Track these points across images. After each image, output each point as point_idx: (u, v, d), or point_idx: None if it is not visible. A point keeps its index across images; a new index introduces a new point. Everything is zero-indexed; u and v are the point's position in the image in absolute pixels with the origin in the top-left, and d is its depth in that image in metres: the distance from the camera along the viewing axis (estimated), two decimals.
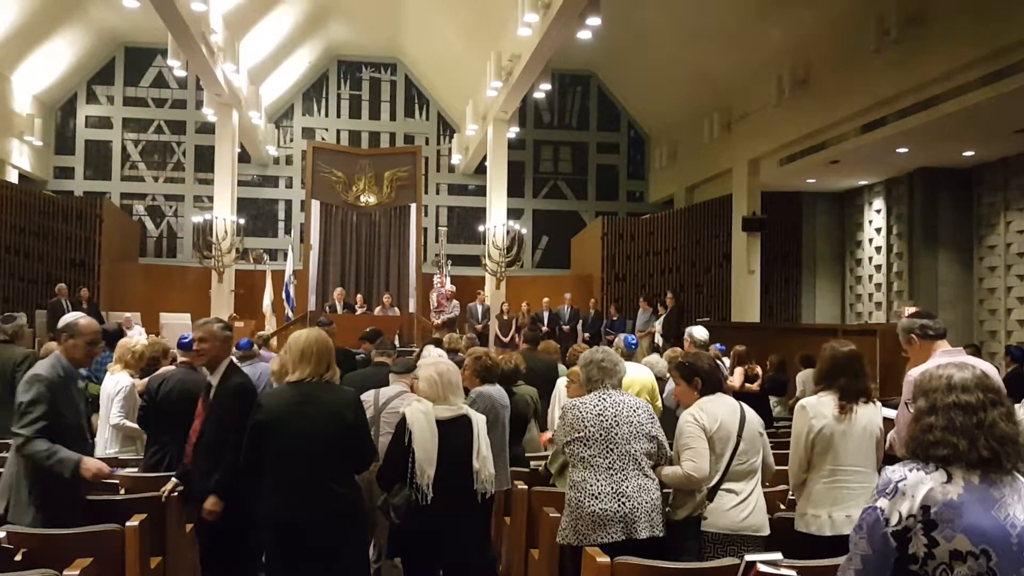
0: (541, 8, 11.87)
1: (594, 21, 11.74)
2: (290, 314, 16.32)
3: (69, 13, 16.84)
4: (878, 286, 17.07)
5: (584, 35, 12.37)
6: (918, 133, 12.38)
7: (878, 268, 17.07)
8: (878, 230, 17.04)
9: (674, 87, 18.15)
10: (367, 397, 4.61)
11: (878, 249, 17.06)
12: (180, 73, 16.31)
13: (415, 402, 3.90)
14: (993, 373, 3.90)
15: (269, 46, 18.27)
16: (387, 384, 4.91)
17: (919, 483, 2.04)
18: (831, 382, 3.80)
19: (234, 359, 4.54)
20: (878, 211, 17.04)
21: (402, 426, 3.81)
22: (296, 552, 3.59)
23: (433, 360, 4.17)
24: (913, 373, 3.64)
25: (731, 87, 16.51)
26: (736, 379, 8.59)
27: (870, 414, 3.78)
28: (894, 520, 2.04)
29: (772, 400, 9.32)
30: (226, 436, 3.93)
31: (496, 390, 4.86)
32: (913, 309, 15.23)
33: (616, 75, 20.59)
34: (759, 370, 9.09)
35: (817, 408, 3.75)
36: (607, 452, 3.70)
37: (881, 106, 12.39)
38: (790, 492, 4.71)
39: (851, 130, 13.48)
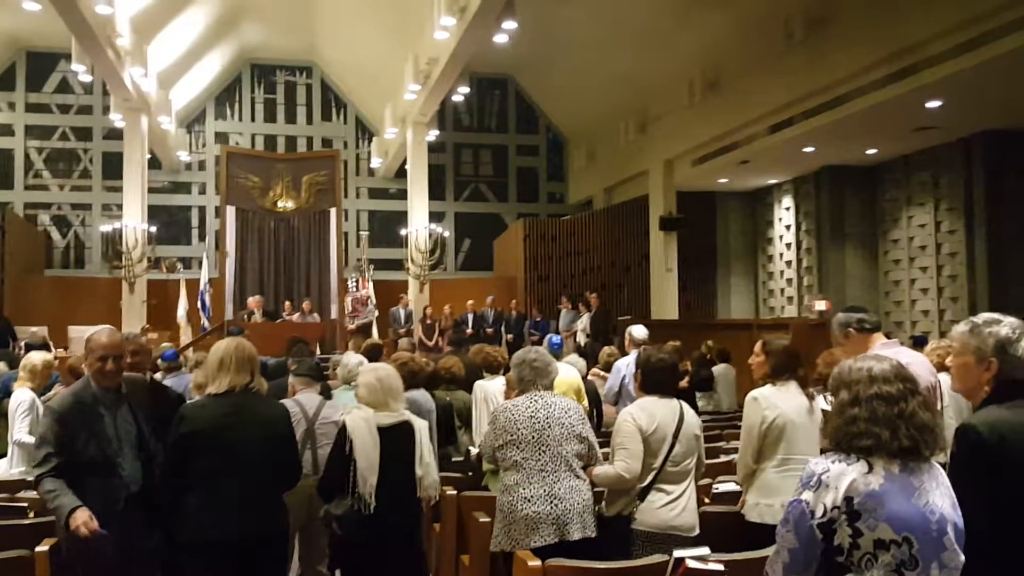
0: (457, 11, 11.87)
1: (510, 25, 11.80)
2: (206, 324, 15.91)
3: None
4: (789, 281, 17.60)
5: (501, 39, 12.42)
6: (824, 132, 12.81)
7: (788, 264, 17.61)
8: (788, 227, 17.57)
9: (590, 90, 18.35)
10: (292, 409, 4.51)
11: (788, 245, 17.60)
12: (85, 78, 15.75)
13: (355, 409, 3.83)
14: (926, 364, 4.07)
15: (179, 49, 17.76)
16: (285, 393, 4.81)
17: (841, 474, 2.10)
18: (791, 373, 3.90)
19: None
20: (787, 209, 17.57)
21: (343, 434, 3.73)
22: (225, 573, 3.46)
23: (374, 366, 4.11)
24: None
25: (646, 90, 16.80)
26: None
27: (816, 403, 3.92)
28: (819, 512, 2.10)
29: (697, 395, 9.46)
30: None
31: (421, 395, 4.83)
32: (824, 303, 15.61)
33: (533, 78, 20.71)
34: (689, 366, 9.23)
35: (770, 399, 3.84)
36: (539, 454, 3.71)
37: (788, 107, 12.80)
38: (713, 486, 4.84)
39: (760, 131, 13.87)
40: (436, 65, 13.88)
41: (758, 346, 4.03)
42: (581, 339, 14.25)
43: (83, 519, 3.29)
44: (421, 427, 3.89)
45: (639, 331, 7.15)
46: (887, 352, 3.87)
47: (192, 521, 3.45)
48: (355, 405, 3.90)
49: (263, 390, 3.74)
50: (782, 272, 17.91)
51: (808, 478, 2.16)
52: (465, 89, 15.34)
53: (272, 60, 20.72)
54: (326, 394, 5.27)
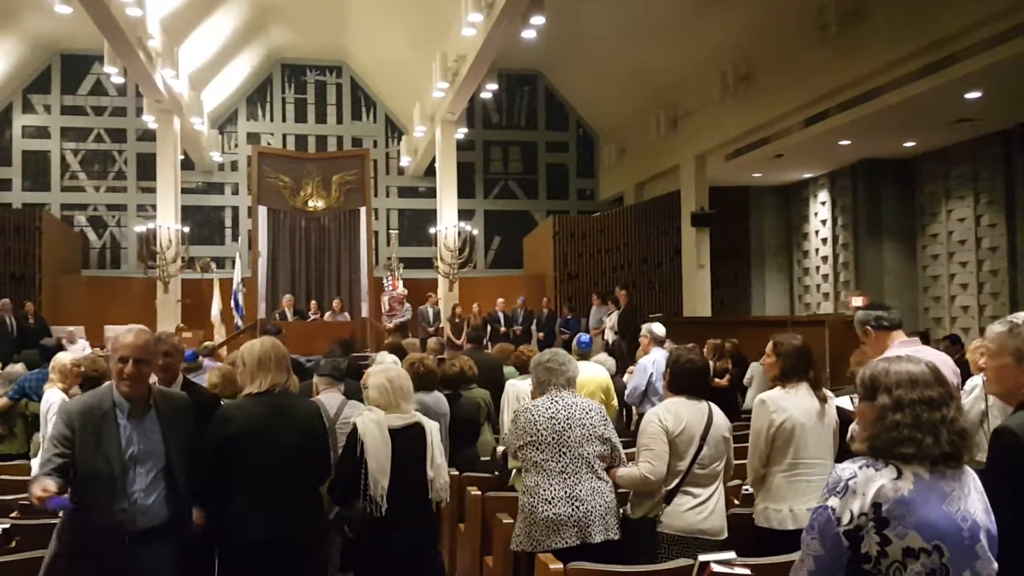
0: (485, 7, 11.81)
1: (538, 20, 11.68)
2: (239, 323, 16.01)
3: (1, 21, 16.34)
4: (825, 277, 17.33)
5: (528, 34, 12.32)
6: (859, 125, 12.59)
7: (825, 259, 17.34)
8: (824, 222, 17.30)
9: (620, 85, 18.22)
10: None
11: (824, 240, 17.32)
12: (118, 80, 15.94)
13: (366, 411, 3.79)
14: (948, 364, 3.94)
15: (210, 51, 17.92)
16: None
17: (869, 481, 2.01)
18: (801, 375, 3.77)
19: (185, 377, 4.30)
20: (823, 203, 17.30)
21: (353, 436, 3.69)
22: (269, 572, 3.43)
23: (384, 367, 4.05)
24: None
25: (676, 84, 16.62)
26: None
27: (828, 405, 3.79)
28: (845, 519, 2.01)
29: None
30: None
31: (432, 397, 4.75)
32: (860, 299, 15.38)
33: (562, 74, 20.62)
34: (730, 364, 9.11)
35: (778, 402, 3.70)
36: (560, 456, 3.64)
37: (823, 100, 12.58)
38: (743, 487, 4.72)
39: (794, 124, 13.66)
40: (464, 62, 13.83)
41: (769, 346, 3.90)
42: (610, 337, 14.11)
43: (37, 486, 2.85)
44: (432, 428, 3.83)
45: (659, 328, 7.03)
46: (906, 351, 3.74)
47: (240, 522, 3.41)
48: (365, 407, 3.84)
49: (296, 388, 3.71)
50: (818, 268, 17.64)
51: (835, 484, 2.06)
52: (493, 86, 15.24)
53: (302, 60, 20.85)
54: (357, 395, 5.23)
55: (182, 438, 3.28)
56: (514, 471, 4.78)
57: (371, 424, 3.67)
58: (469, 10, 11.93)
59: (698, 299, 16.61)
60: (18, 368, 6.41)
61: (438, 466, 3.76)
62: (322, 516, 3.66)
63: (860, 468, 2.05)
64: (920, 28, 10.30)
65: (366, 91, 21.30)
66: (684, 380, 3.77)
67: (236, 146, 20.71)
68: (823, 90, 12.35)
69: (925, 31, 10.24)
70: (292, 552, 3.45)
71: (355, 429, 3.69)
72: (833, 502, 2.04)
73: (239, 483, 3.43)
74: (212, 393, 4.26)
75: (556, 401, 3.76)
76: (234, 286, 16.27)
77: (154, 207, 17.30)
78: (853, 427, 3.80)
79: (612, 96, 19.14)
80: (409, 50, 17.50)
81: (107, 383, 3.29)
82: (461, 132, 17.49)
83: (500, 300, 15.86)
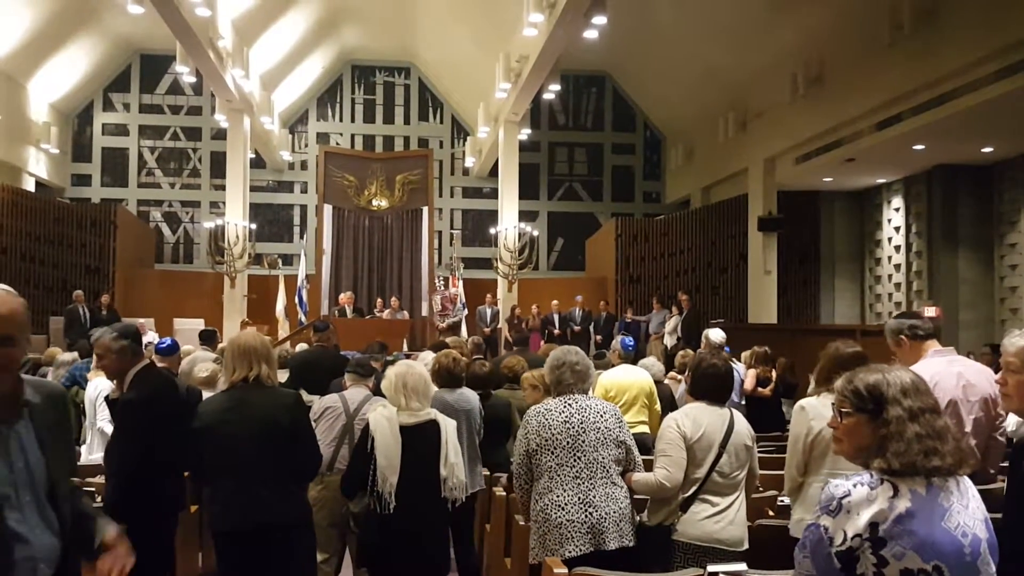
0: (546, 7, 11.76)
1: (600, 20, 11.59)
2: (303, 319, 16.29)
3: (84, 21, 16.94)
4: (898, 286, 16.74)
5: (591, 35, 12.22)
6: (934, 129, 12.10)
7: (897, 268, 16.76)
8: (897, 229, 16.73)
9: (689, 86, 17.96)
10: (334, 403, 4.49)
11: (897, 248, 16.74)
12: (190, 79, 16.36)
13: (380, 407, 3.78)
14: (987, 374, 3.73)
15: (281, 52, 18.27)
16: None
17: (865, 499, 1.89)
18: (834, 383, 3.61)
19: (141, 368, 4.04)
20: (897, 209, 16.72)
21: (365, 432, 3.69)
22: (234, 562, 3.51)
23: (398, 364, 4.04)
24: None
25: (746, 85, 16.31)
26: (748, 382, 8.35)
27: None
28: (838, 540, 1.89)
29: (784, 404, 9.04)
30: (113, 447, 3.85)
31: (455, 396, 4.70)
32: (934, 309, 14.81)
33: (631, 75, 20.40)
34: (774, 374, 8.84)
35: (817, 409, 3.54)
36: (574, 460, 3.54)
37: (896, 102, 12.16)
38: (779, 498, 4.55)
39: (867, 127, 13.24)
40: (526, 63, 13.79)
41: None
42: (669, 342, 13.89)
43: None
44: (448, 427, 3.78)
45: (716, 335, 6.89)
46: (941, 359, 3.55)
47: (209, 509, 3.63)
48: (381, 403, 3.82)
49: (270, 380, 3.63)
50: (890, 276, 17.05)
51: (827, 501, 1.93)
52: (556, 86, 15.20)
53: (372, 61, 21.09)
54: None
55: (66, 450, 2.21)
56: None
57: (382, 420, 3.66)
58: (530, 10, 11.88)
59: (764, 306, 16.24)
60: (67, 356, 6.53)
61: (451, 465, 3.70)
62: (296, 508, 3.62)
63: (855, 486, 1.93)
64: (998, 28, 9.86)
65: (433, 92, 21.44)
66: (704, 385, 3.64)
67: (306, 146, 21.07)
68: (896, 92, 11.93)
69: (1004, 31, 9.80)
70: (261, 542, 3.48)
71: (367, 425, 3.69)
72: (825, 521, 1.92)
73: (209, 475, 3.59)
74: (131, 396, 3.92)
75: (570, 404, 3.65)
76: (298, 283, 16.57)
77: (226, 204, 17.72)
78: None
79: (680, 98, 18.87)
80: (475, 51, 17.56)
81: None
82: (524, 133, 17.46)
83: (555, 302, 15.80)
